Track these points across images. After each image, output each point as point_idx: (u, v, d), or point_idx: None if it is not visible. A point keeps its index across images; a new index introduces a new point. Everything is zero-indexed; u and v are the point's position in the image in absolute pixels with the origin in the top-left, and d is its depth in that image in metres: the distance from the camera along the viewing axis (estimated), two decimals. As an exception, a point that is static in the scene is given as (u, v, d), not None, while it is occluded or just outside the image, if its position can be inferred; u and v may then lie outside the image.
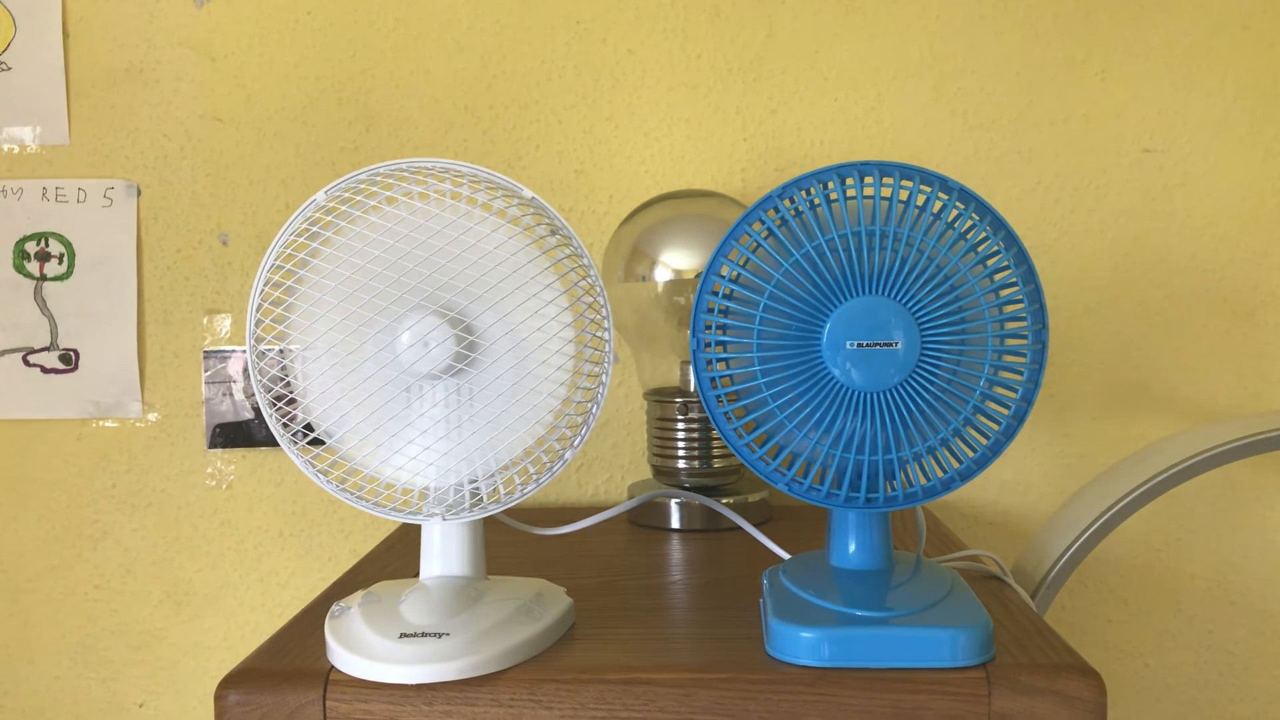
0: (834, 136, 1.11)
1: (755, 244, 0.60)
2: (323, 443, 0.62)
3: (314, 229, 0.60)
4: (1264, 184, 1.09)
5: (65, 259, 1.13)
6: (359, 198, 0.60)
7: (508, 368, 0.60)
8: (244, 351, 1.13)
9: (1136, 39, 1.10)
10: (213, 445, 1.14)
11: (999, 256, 0.59)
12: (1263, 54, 1.09)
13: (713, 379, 0.61)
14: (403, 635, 0.60)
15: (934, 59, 1.10)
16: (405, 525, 1.00)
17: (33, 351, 1.13)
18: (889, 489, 0.62)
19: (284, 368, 0.61)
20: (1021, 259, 0.59)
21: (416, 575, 0.68)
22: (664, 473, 1.01)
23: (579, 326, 0.62)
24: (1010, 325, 0.59)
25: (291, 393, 0.62)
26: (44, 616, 1.15)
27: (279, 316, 0.60)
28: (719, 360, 0.61)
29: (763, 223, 0.61)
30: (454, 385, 0.61)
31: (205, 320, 1.14)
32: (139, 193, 1.13)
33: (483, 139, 1.12)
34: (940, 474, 0.62)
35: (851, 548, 0.66)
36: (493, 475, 0.63)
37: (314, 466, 0.62)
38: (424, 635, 0.60)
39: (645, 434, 1.04)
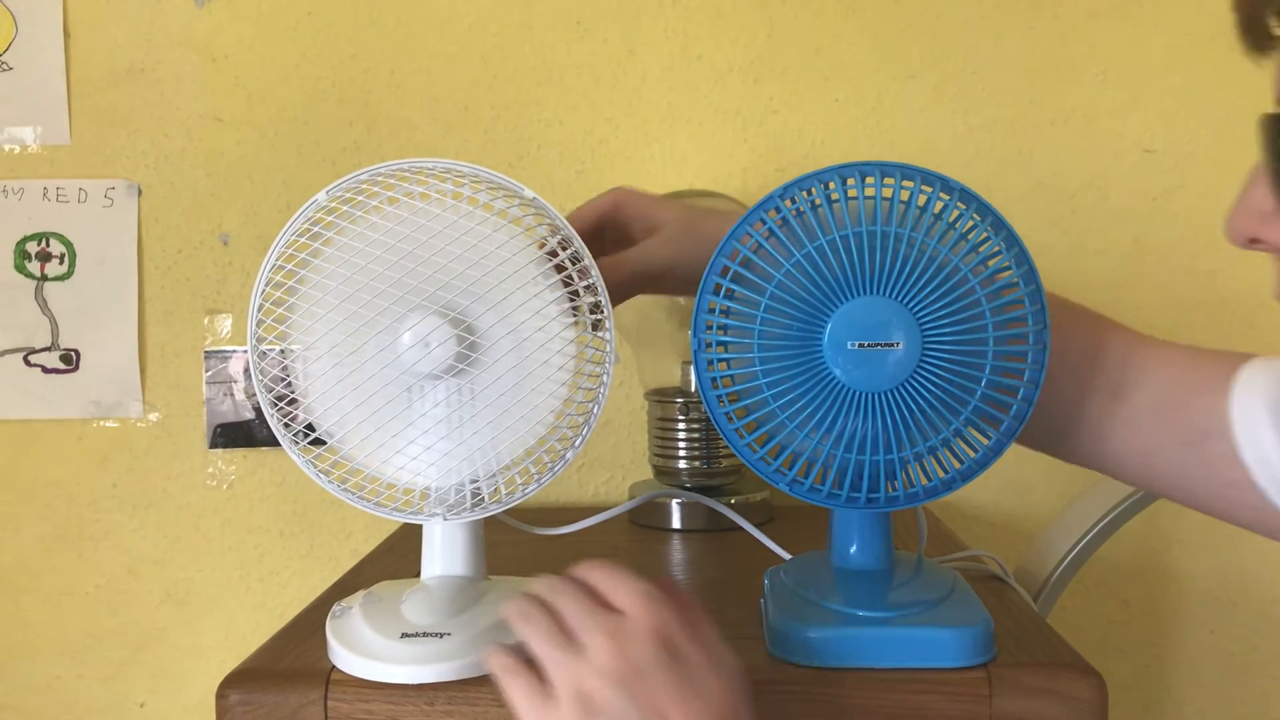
0: (835, 137, 1.11)
1: (756, 244, 0.60)
2: (324, 443, 0.62)
3: (315, 229, 0.60)
4: (1265, 184, 1.09)
5: (66, 259, 1.13)
6: (360, 198, 0.60)
7: (509, 368, 0.60)
8: (245, 351, 1.13)
9: (1137, 39, 1.09)
10: (213, 445, 1.14)
11: (1000, 257, 0.59)
12: (1264, 54, 1.09)
13: (714, 379, 0.61)
14: (404, 635, 0.60)
15: (934, 59, 1.10)
16: (406, 525, 1.00)
17: (34, 351, 1.13)
18: (890, 489, 0.62)
19: (285, 368, 0.61)
20: (1022, 259, 0.59)
21: (417, 575, 0.68)
22: (665, 473, 1.01)
23: (580, 326, 0.62)
24: (1011, 326, 0.59)
25: (293, 393, 0.62)
26: (45, 616, 1.15)
27: (280, 317, 0.60)
28: (720, 360, 0.61)
29: (764, 223, 0.60)
30: (455, 385, 0.61)
31: (206, 320, 1.14)
32: (140, 193, 1.13)
33: (484, 139, 1.12)
34: (941, 474, 0.61)
35: (853, 548, 0.66)
36: (494, 475, 0.63)
37: (315, 466, 0.62)
38: (425, 635, 0.60)
39: (646, 434, 1.04)
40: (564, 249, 0.61)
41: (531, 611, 0.55)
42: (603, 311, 0.62)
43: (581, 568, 0.57)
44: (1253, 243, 0.42)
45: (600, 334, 0.62)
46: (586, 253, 0.61)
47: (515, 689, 0.53)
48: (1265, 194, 0.39)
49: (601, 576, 0.56)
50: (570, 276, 0.61)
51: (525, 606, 0.56)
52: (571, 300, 0.61)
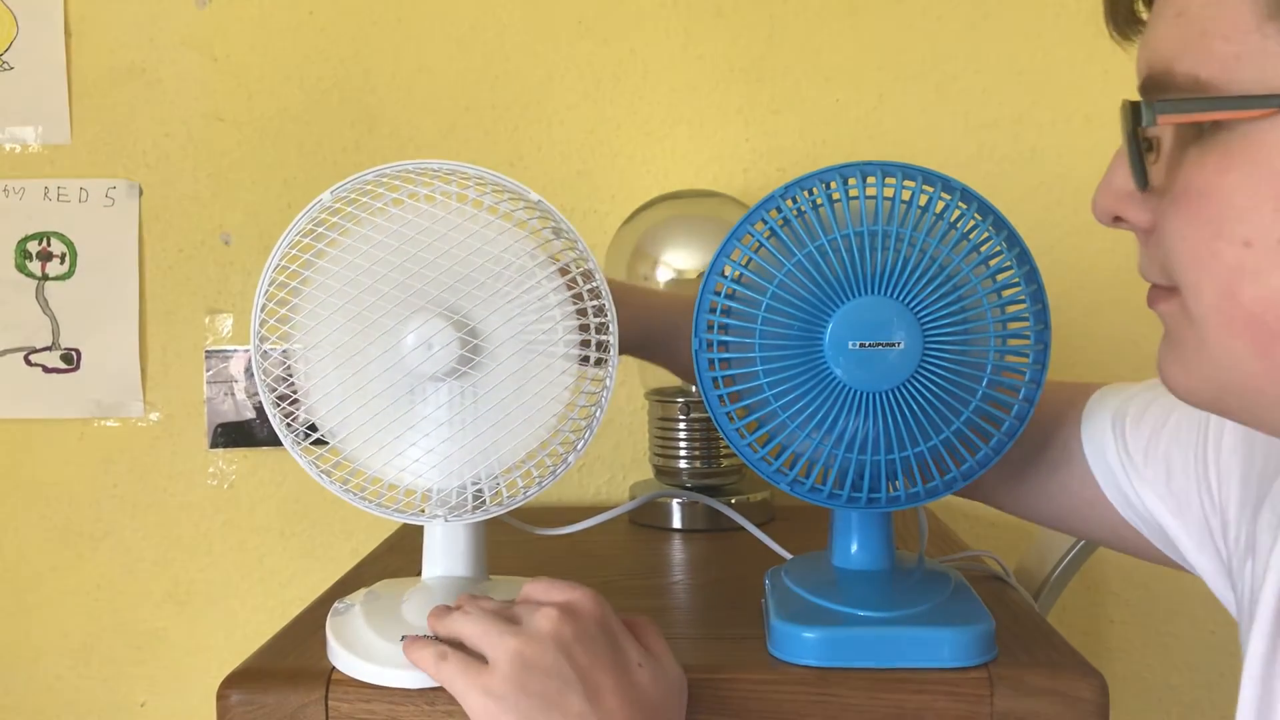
0: (836, 137, 1.11)
1: (758, 244, 0.60)
2: (325, 443, 0.62)
3: (319, 229, 0.60)
4: (1265, 184, 1.09)
5: (67, 259, 1.13)
6: (364, 198, 0.60)
7: (511, 371, 0.60)
8: (246, 351, 1.13)
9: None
10: (214, 445, 1.14)
11: (1001, 257, 0.59)
12: (1264, 54, 1.09)
13: (715, 379, 0.61)
14: (405, 637, 0.60)
15: (936, 59, 1.10)
16: (407, 525, 1.00)
17: (34, 351, 1.13)
18: (891, 489, 0.62)
19: (288, 368, 0.61)
20: (1024, 259, 0.59)
21: (418, 574, 0.68)
22: (666, 473, 1.01)
23: (583, 329, 0.62)
24: (1013, 325, 0.59)
25: (295, 393, 0.62)
26: (46, 616, 1.15)
27: (284, 317, 0.60)
28: (721, 360, 0.61)
29: (765, 222, 0.60)
30: (458, 387, 0.61)
31: (207, 320, 1.14)
32: (141, 192, 1.13)
33: (485, 139, 1.12)
34: (942, 474, 0.61)
35: (854, 548, 0.66)
36: (495, 477, 0.63)
37: (317, 467, 0.62)
38: (426, 637, 0.60)
39: (647, 434, 1.04)
40: (576, 266, 0.61)
41: (469, 610, 0.56)
42: (606, 315, 0.62)
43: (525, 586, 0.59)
44: (1116, 221, 0.45)
45: (603, 337, 0.62)
46: (590, 255, 0.61)
47: (449, 668, 0.53)
48: (1126, 175, 0.41)
49: (541, 586, 0.58)
50: (574, 280, 0.61)
51: (458, 608, 0.57)
52: (580, 322, 0.61)
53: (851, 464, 0.60)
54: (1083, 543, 0.88)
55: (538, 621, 0.53)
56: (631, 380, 1.12)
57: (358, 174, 0.60)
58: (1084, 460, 0.63)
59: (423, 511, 0.63)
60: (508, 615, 0.56)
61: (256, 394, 1.09)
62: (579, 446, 0.63)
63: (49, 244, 1.13)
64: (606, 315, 0.61)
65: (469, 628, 0.55)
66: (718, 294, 0.61)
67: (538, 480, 0.63)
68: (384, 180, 0.60)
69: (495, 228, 0.60)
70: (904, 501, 0.62)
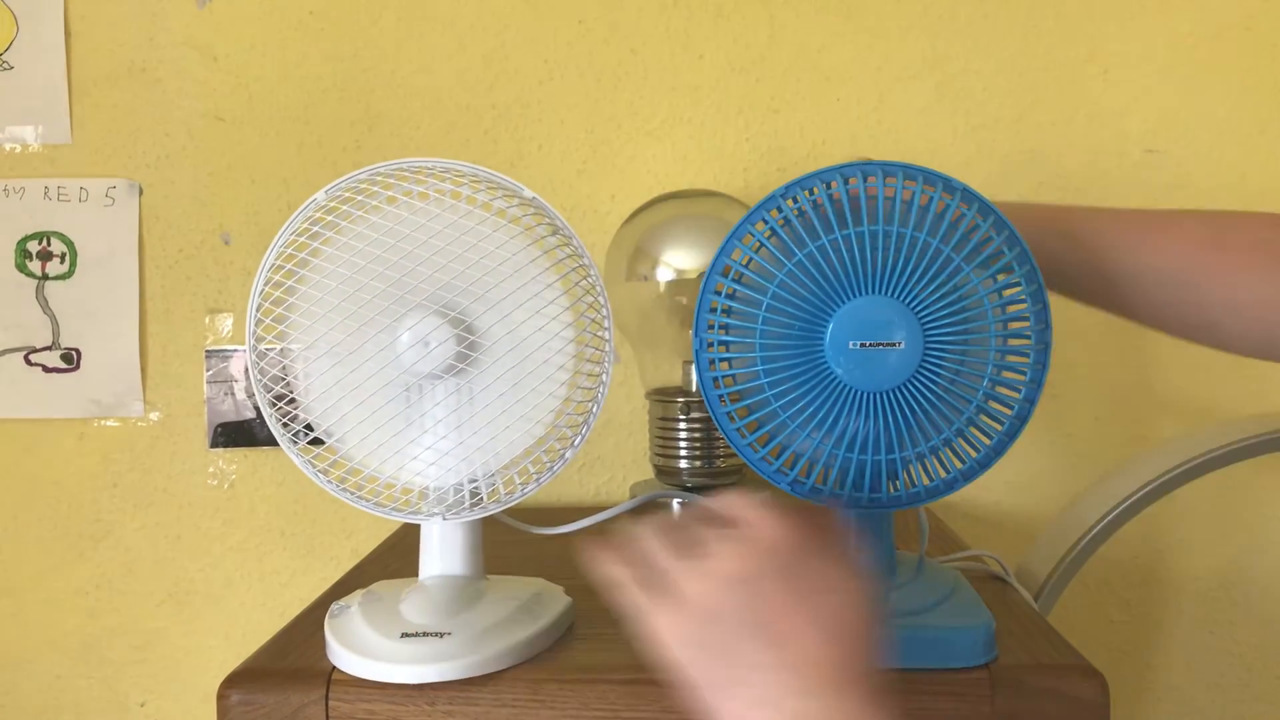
0: (836, 136, 1.11)
1: (758, 243, 0.60)
2: (323, 442, 0.62)
3: (315, 228, 0.60)
4: (1266, 184, 1.09)
5: (67, 258, 1.13)
6: (360, 197, 0.60)
7: (508, 368, 0.60)
8: (245, 351, 1.13)
9: (1139, 39, 1.09)
10: (214, 445, 1.14)
11: (1003, 257, 0.59)
12: (1265, 54, 1.09)
13: (715, 379, 0.61)
14: (404, 635, 0.60)
15: (936, 59, 1.10)
16: (407, 525, 1.00)
17: (34, 351, 1.13)
18: (891, 489, 0.62)
19: (284, 367, 0.61)
20: (1024, 259, 0.59)
21: (417, 575, 0.67)
22: (666, 472, 1.01)
23: (579, 326, 0.62)
24: (1013, 325, 0.59)
25: (292, 392, 0.62)
26: (46, 616, 1.15)
27: (280, 316, 0.60)
28: (722, 360, 0.61)
29: (766, 222, 0.60)
30: (454, 385, 0.61)
31: (207, 319, 1.14)
32: (141, 192, 1.13)
33: (485, 138, 1.12)
34: (943, 474, 0.61)
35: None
36: (493, 475, 0.63)
37: (314, 466, 0.62)
38: (425, 635, 0.60)
39: (647, 434, 1.04)
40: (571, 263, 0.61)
41: (651, 533, 0.53)
42: (602, 311, 0.62)
43: (710, 500, 0.56)
44: None
45: (599, 333, 0.62)
46: (585, 252, 0.61)
47: (634, 594, 0.51)
48: None
49: (723, 502, 0.55)
50: (571, 275, 0.61)
51: (648, 529, 0.54)
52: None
53: (852, 464, 0.60)
54: (1083, 543, 0.88)
55: (716, 560, 0.51)
56: (632, 380, 1.11)
57: (352, 173, 0.60)
58: None
59: (420, 510, 0.63)
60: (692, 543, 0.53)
61: (255, 394, 1.09)
62: (576, 442, 0.63)
63: (49, 244, 1.13)
64: (602, 311, 0.61)
65: (657, 555, 0.52)
66: (718, 294, 0.61)
67: (535, 477, 0.63)
68: (378, 179, 0.60)
69: (490, 224, 0.60)
70: (905, 501, 0.62)
